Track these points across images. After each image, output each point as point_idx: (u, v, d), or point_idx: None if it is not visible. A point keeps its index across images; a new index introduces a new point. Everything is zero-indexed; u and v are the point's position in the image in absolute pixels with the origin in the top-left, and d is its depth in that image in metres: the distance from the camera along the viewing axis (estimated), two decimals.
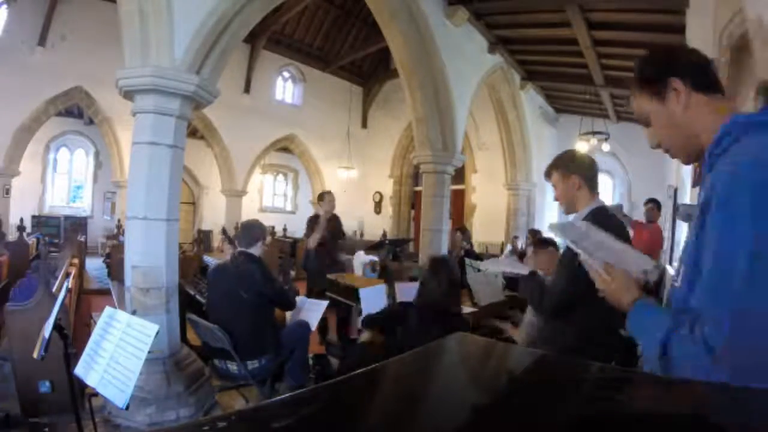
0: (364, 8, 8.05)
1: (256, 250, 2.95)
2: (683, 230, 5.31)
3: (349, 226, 10.55)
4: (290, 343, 2.95)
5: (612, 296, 1.07)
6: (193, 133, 10.95)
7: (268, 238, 3.12)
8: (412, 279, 4.09)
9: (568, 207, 1.93)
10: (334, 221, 4.78)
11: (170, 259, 3.17)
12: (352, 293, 3.73)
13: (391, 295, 3.18)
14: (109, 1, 7.16)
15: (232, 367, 2.80)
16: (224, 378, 2.92)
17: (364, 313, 2.83)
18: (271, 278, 2.91)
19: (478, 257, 5.77)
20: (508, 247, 8.33)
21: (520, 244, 7.94)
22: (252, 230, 3.00)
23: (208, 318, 2.89)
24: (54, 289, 3.03)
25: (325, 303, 3.33)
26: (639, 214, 9.74)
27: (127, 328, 1.83)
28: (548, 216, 10.49)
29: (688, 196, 4.88)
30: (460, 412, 0.58)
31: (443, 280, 2.35)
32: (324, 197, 4.78)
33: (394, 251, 5.65)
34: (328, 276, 4.38)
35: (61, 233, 11.40)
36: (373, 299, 3.09)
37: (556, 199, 1.97)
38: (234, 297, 2.78)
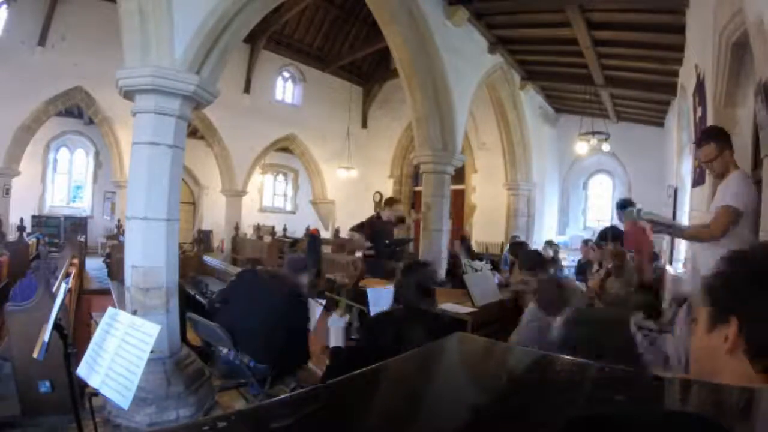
0: (364, 8, 8.04)
1: (303, 279, 3.03)
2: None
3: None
4: None
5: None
6: (193, 133, 10.94)
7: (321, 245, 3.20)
8: None
9: None
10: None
11: (170, 259, 3.17)
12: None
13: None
14: (109, 1, 7.14)
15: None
16: (225, 376, 2.91)
17: (373, 313, 2.78)
18: (306, 316, 2.91)
19: (478, 257, 5.77)
20: (508, 247, 8.34)
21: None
22: (298, 262, 3.17)
23: (211, 317, 2.86)
24: (54, 289, 3.03)
25: (322, 302, 3.32)
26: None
27: (129, 329, 1.83)
28: (548, 216, 10.49)
29: (688, 195, 4.87)
30: (459, 412, 0.58)
31: (412, 282, 2.31)
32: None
33: (394, 251, 5.64)
34: (328, 276, 4.38)
35: (61, 233, 11.40)
36: (380, 300, 3.06)
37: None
38: (267, 304, 2.74)
